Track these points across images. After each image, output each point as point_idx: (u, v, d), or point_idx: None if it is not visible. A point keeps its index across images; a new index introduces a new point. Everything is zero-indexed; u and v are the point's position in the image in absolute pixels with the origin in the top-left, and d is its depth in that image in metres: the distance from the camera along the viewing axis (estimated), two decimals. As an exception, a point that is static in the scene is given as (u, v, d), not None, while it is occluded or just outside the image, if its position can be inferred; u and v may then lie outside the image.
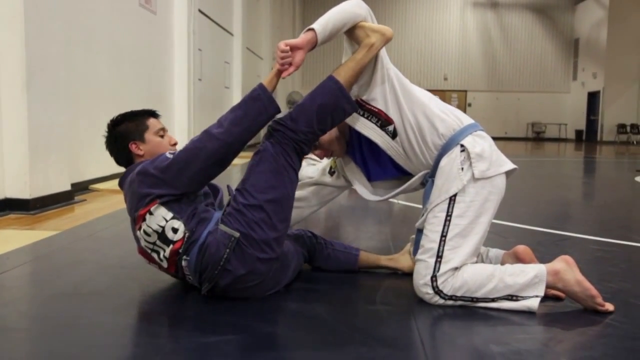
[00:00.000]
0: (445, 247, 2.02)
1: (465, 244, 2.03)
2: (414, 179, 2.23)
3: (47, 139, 4.34)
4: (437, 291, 2.01)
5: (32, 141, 4.13)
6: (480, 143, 2.11)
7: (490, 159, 2.10)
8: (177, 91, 8.78)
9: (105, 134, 2.20)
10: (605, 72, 21.01)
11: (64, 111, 4.60)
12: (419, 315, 1.96)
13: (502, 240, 3.18)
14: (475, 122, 2.20)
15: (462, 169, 2.06)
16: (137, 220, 2.02)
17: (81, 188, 5.26)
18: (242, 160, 9.32)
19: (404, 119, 2.13)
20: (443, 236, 2.03)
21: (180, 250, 1.99)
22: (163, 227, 1.99)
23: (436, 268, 2.01)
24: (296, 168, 2.06)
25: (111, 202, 4.48)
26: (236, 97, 12.77)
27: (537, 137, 24.30)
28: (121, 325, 1.89)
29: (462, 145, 2.09)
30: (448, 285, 2.00)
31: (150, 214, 1.99)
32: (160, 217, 1.98)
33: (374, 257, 2.51)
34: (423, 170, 2.20)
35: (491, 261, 2.31)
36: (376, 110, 2.14)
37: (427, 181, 2.19)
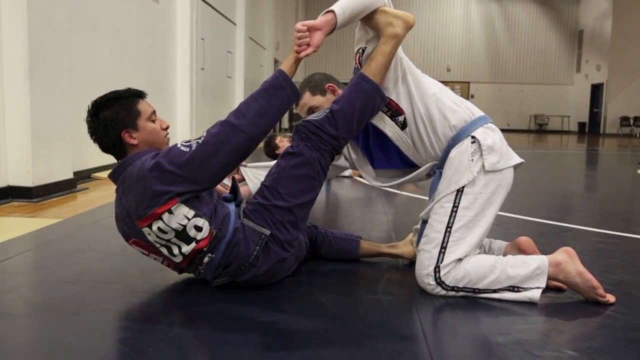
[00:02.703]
0: (450, 238, 2.02)
1: (470, 236, 2.03)
2: (420, 169, 2.22)
3: (50, 127, 4.35)
4: (440, 282, 2.01)
5: (34, 129, 4.13)
6: (491, 135, 2.10)
7: (500, 152, 2.09)
8: (180, 80, 8.76)
9: (88, 118, 1.97)
10: (609, 65, 20.90)
11: (67, 100, 4.60)
12: (421, 305, 1.97)
13: (504, 231, 3.18)
14: (485, 115, 2.19)
15: (472, 160, 2.06)
16: (148, 217, 1.85)
17: (83, 176, 5.27)
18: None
19: (415, 110, 2.12)
20: (448, 227, 2.03)
21: (206, 249, 1.92)
22: (184, 226, 1.86)
23: (439, 259, 2.01)
24: (327, 171, 2.08)
25: (113, 191, 4.49)
26: (239, 86, 12.75)
27: (540, 129, 24.23)
28: (124, 312, 1.90)
29: (473, 137, 2.08)
30: (450, 276, 2.00)
31: (170, 212, 1.84)
32: (182, 215, 1.85)
33: (374, 245, 2.51)
34: (430, 162, 2.20)
35: (494, 252, 2.30)
36: (387, 99, 2.13)
37: (435, 172, 2.18)
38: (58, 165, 4.47)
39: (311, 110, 2.27)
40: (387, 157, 2.28)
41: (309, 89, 2.29)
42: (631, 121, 20.78)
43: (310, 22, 1.95)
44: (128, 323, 1.81)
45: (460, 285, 2.00)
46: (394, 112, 2.13)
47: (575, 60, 24.14)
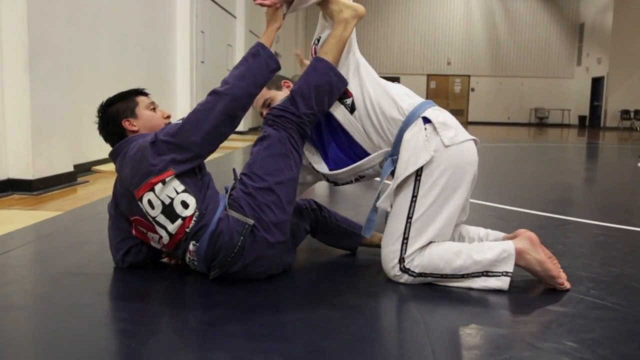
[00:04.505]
0: (411, 229, 2.02)
1: (432, 225, 2.03)
2: (373, 155, 2.18)
3: (50, 120, 4.34)
4: (405, 270, 2.03)
5: (34, 122, 4.13)
6: (441, 114, 2.13)
7: (456, 127, 2.12)
8: (180, 74, 8.75)
9: (97, 120, 2.18)
10: (609, 58, 20.85)
11: (67, 93, 4.60)
12: (421, 297, 1.97)
13: (504, 224, 3.18)
14: (431, 101, 2.22)
15: (427, 140, 2.05)
16: (142, 187, 1.96)
17: (84, 169, 5.27)
18: (244, 144, 9.34)
19: (364, 93, 2.15)
20: (409, 218, 2.03)
21: (188, 230, 1.96)
22: (172, 200, 1.95)
23: (403, 250, 2.03)
24: (300, 151, 2.13)
25: (113, 184, 4.49)
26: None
27: (540, 122, 24.20)
28: (124, 304, 1.90)
29: (424, 118, 2.09)
30: (414, 263, 2.01)
31: (163, 183, 1.95)
32: (172, 188, 1.95)
33: (376, 237, 2.51)
34: (384, 149, 2.17)
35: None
36: (345, 80, 2.17)
37: (387, 160, 2.16)
38: (58, 158, 4.47)
39: (266, 103, 2.35)
40: (342, 150, 2.23)
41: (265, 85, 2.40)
42: (632, 114, 20.74)
43: None
44: (129, 315, 1.81)
45: (427, 271, 2.02)
46: (342, 94, 2.17)
47: (576, 54, 24.08)
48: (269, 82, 2.38)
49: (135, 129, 2.13)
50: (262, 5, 2.11)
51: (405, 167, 2.05)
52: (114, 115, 2.13)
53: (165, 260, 2.26)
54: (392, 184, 2.10)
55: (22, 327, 1.72)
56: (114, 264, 2.22)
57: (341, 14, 2.16)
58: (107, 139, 2.18)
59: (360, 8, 2.20)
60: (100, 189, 4.40)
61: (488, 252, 2.00)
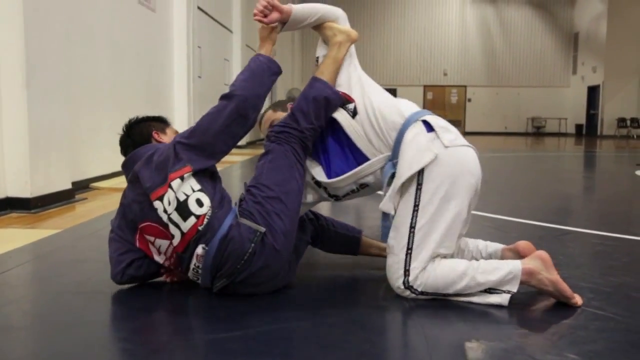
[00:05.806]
0: (415, 238, 2.03)
1: (434, 233, 2.02)
2: (373, 160, 2.18)
3: (48, 137, 4.34)
4: (408, 286, 2.03)
5: (32, 139, 4.13)
6: (442, 120, 2.20)
7: (455, 133, 2.16)
8: (177, 89, 8.77)
9: (124, 128, 2.29)
10: (605, 66, 20.96)
11: (64, 109, 4.60)
12: (422, 312, 1.96)
13: (503, 235, 3.18)
14: (428, 110, 2.28)
15: (429, 141, 2.08)
16: (161, 187, 2.02)
17: (82, 186, 5.26)
18: (242, 158, 9.35)
19: (365, 98, 2.23)
20: (412, 227, 2.04)
21: (200, 229, 1.98)
22: (187, 197, 2.00)
23: (407, 262, 2.03)
24: (303, 164, 2.18)
25: (112, 201, 4.47)
26: (236, 94, 12.73)
27: (537, 132, 24.26)
28: (123, 323, 1.90)
29: (424, 122, 2.14)
30: (418, 281, 2.01)
31: (182, 180, 2.02)
32: (189, 186, 2.02)
33: (375, 246, 2.55)
34: (385, 153, 2.18)
35: (490, 257, 2.30)
36: (340, 93, 2.24)
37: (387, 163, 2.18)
38: (56, 175, 4.46)
39: (273, 124, 2.36)
40: (343, 157, 2.24)
41: (272, 108, 2.53)
42: (628, 122, 20.82)
43: (276, 2, 2.25)
44: (128, 334, 1.80)
45: (430, 291, 2.02)
46: (345, 101, 2.25)
47: (571, 63, 24.21)
48: (276, 105, 2.51)
49: (161, 140, 2.27)
50: (260, 21, 2.23)
51: (409, 166, 2.05)
52: (146, 126, 2.29)
53: (163, 278, 2.24)
54: (394, 184, 2.09)
55: (21, 348, 1.71)
56: (111, 279, 2.17)
57: (335, 38, 2.31)
58: (125, 145, 2.26)
59: (353, 33, 2.33)
60: (98, 206, 4.39)
61: (493, 274, 1.99)
